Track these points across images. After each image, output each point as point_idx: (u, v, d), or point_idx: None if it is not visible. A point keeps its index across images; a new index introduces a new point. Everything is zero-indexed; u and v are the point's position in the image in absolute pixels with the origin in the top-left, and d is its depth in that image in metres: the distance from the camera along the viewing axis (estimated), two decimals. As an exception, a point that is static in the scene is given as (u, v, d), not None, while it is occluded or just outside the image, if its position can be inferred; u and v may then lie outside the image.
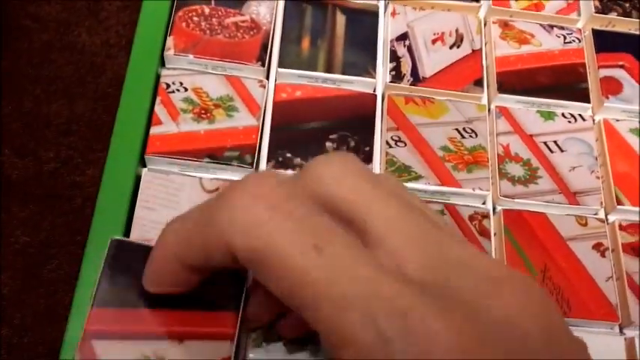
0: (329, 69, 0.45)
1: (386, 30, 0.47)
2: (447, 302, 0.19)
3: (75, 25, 0.54)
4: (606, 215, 0.43)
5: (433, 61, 0.46)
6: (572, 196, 0.42)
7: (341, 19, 0.47)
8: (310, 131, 0.43)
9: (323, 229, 0.20)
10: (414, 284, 0.20)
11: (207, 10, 0.45)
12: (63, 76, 0.52)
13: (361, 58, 0.45)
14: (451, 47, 0.47)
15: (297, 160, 0.41)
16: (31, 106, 0.50)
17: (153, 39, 0.44)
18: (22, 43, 0.52)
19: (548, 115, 0.45)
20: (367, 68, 0.45)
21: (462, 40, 0.47)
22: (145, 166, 0.41)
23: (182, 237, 0.24)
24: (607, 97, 0.46)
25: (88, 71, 0.53)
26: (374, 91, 0.45)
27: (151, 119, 0.41)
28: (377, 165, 0.42)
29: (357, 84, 0.45)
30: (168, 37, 0.44)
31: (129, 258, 0.30)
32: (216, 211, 0.22)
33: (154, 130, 0.41)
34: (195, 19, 0.45)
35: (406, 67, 0.45)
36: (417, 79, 0.45)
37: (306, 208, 0.20)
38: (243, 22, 0.45)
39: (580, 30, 0.49)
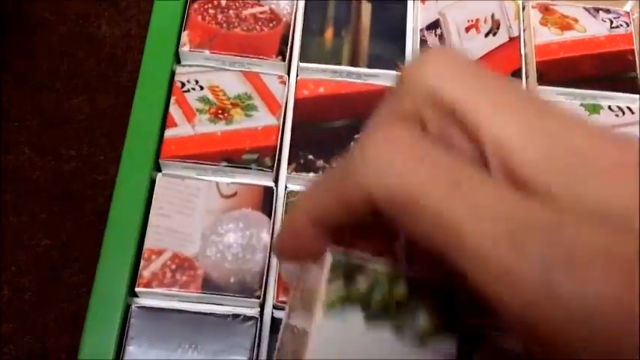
0: (354, 62, 0.42)
1: (415, 19, 0.44)
2: (593, 216, 0.18)
3: (94, 17, 0.52)
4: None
5: (467, 50, 0.43)
6: (621, 198, 0.38)
7: (367, 9, 0.44)
8: (334, 130, 0.40)
9: (457, 163, 0.19)
10: (556, 200, 0.18)
11: (223, 2, 0.43)
12: (83, 70, 0.51)
13: (389, 50, 0.42)
14: (486, 35, 0.43)
15: (320, 162, 0.39)
16: (50, 102, 0.49)
17: (167, 34, 0.42)
18: (40, 37, 0.50)
19: (593, 109, 0.41)
20: (395, 60, 0.42)
21: (498, 27, 0.44)
22: (160, 170, 0.39)
23: (317, 197, 0.23)
24: (659, 88, 0.42)
25: (109, 64, 0.51)
26: (402, 85, 0.42)
27: (165, 120, 0.39)
28: (406, 165, 0.39)
29: (384, 78, 0.42)
30: (183, 32, 0.42)
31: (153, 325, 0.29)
32: (353, 162, 0.21)
33: (169, 133, 0.39)
34: (212, 11, 0.42)
35: (437, 59, 0.42)
36: (449, 71, 0.42)
37: (438, 147, 0.20)
38: (261, 13, 0.43)
39: (628, 13, 0.45)
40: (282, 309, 0.36)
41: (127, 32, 0.52)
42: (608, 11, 0.45)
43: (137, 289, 0.35)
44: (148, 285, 0.35)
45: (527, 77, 0.43)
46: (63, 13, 0.50)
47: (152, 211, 0.37)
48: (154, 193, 0.37)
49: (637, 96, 0.42)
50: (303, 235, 0.23)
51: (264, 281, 0.36)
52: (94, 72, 0.52)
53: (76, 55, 0.52)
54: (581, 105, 0.42)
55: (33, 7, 0.50)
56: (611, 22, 0.44)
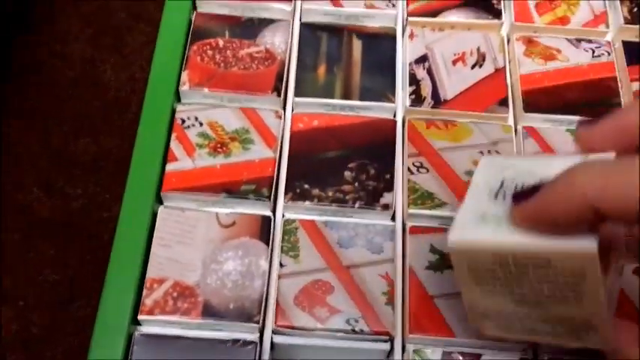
0: (346, 95, 0.44)
1: (404, 53, 0.46)
2: None
3: (100, 62, 0.54)
4: (647, 237, 0.40)
5: (454, 82, 0.44)
6: (609, 218, 0.40)
7: (357, 45, 0.46)
8: (328, 160, 0.41)
9: None
10: None
11: (221, 43, 0.45)
12: (89, 112, 0.53)
13: (379, 83, 0.44)
14: (473, 67, 0.45)
15: (316, 191, 0.40)
16: (58, 143, 0.51)
17: (168, 74, 0.44)
18: (48, 80, 0.53)
19: (579, 133, 0.43)
20: (386, 93, 0.44)
21: (484, 59, 0.46)
22: (162, 202, 0.40)
23: (598, 178, 0.24)
24: (642, 112, 0.43)
25: (114, 107, 0.53)
26: (394, 116, 0.44)
27: (167, 155, 0.41)
28: (399, 193, 0.41)
29: (375, 110, 0.44)
30: (183, 72, 0.44)
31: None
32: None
33: (170, 167, 0.40)
34: (210, 52, 0.45)
35: (426, 90, 0.44)
36: (438, 101, 0.44)
37: None
38: (257, 52, 0.45)
39: (609, 42, 0.47)
40: (281, 333, 0.37)
41: (130, 76, 0.55)
42: (589, 41, 0.47)
43: (140, 317, 0.36)
44: (150, 313, 0.36)
45: (514, 106, 0.45)
46: (71, 58, 0.53)
47: (154, 241, 0.38)
48: (156, 224, 0.39)
49: (621, 120, 0.44)
50: (568, 210, 0.24)
51: (262, 307, 0.37)
52: (99, 114, 0.54)
53: (83, 98, 0.54)
54: (567, 130, 0.43)
55: (42, 53, 0.53)
56: (593, 51, 0.46)
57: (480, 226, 0.29)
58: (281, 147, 0.42)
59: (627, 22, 0.47)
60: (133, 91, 0.53)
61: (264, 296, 0.37)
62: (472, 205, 0.30)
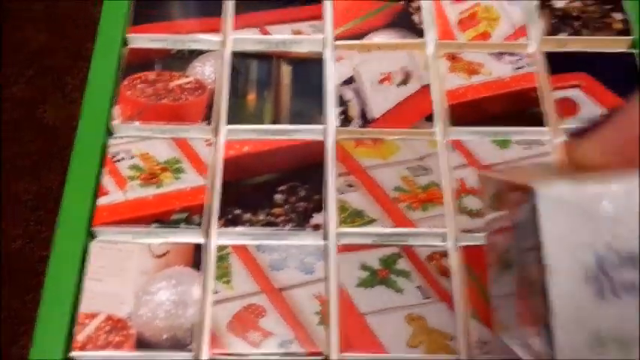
0: (276, 120, 0.44)
1: (332, 76, 0.47)
2: None
3: (41, 102, 0.55)
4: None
5: (381, 101, 0.46)
6: (534, 225, 0.41)
7: (286, 70, 0.47)
8: (259, 185, 0.42)
9: None
10: None
11: (151, 76, 0.46)
12: (29, 152, 0.53)
13: (309, 106, 0.45)
14: (399, 85, 0.46)
15: (247, 216, 0.41)
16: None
17: (99, 110, 0.44)
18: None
19: (504, 144, 0.44)
20: (315, 115, 0.45)
21: (409, 77, 0.47)
22: (94, 237, 0.41)
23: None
24: (562, 120, 0.45)
25: (54, 145, 0.54)
26: (324, 137, 0.45)
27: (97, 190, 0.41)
28: (331, 212, 0.42)
29: (305, 132, 0.44)
30: (114, 107, 0.44)
31: None
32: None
33: (101, 201, 0.41)
34: (141, 85, 0.45)
35: (354, 110, 0.45)
36: (365, 120, 0.45)
37: None
38: (187, 83, 0.46)
39: (531, 54, 0.48)
40: (216, 360, 0.37)
41: (71, 114, 0.55)
42: (512, 54, 0.48)
43: (72, 354, 0.36)
44: (82, 348, 0.36)
45: (441, 120, 0.46)
46: (11, 99, 0.53)
47: (86, 276, 0.38)
48: (88, 259, 0.39)
49: (545, 128, 0.45)
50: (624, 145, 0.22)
51: (196, 335, 0.37)
52: (39, 154, 0.54)
53: (23, 139, 0.55)
54: (492, 141, 0.44)
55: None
56: (515, 63, 0.48)
57: None
58: (213, 174, 0.43)
59: (547, 33, 0.49)
60: (74, 129, 0.54)
61: (198, 324, 0.37)
62: (566, 310, 0.16)
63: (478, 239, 0.40)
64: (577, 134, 0.24)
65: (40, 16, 0.58)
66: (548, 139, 0.45)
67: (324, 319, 0.37)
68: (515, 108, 0.46)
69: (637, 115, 0.23)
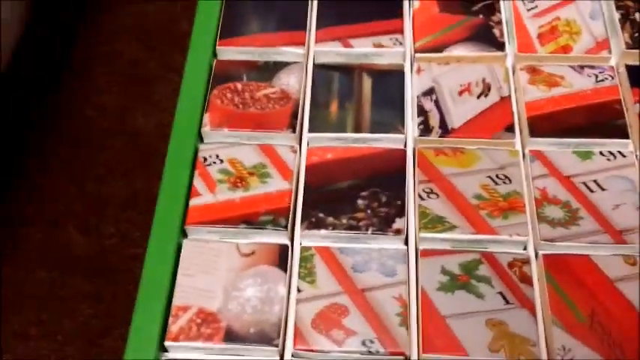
0: (358, 129, 0.46)
1: (412, 87, 0.48)
2: None
3: (131, 110, 0.58)
4: (659, 253, 0.40)
5: (461, 111, 0.46)
6: (618, 235, 0.40)
7: (367, 82, 0.48)
8: (342, 190, 0.44)
9: None
10: None
11: (239, 86, 0.48)
12: (121, 158, 0.56)
13: (389, 117, 0.47)
14: (479, 97, 0.47)
15: (330, 220, 0.42)
16: (92, 186, 0.54)
17: (191, 117, 0.47)
18: (84, 130, 0.57)
19: (586, 155, 0.44)
20: (396, 125, 0.46)
21: (489, 89, 0.48)
22: (187, 235, 0.43)
23: None
24: (647, 131, 0.44)
25: (144, 151, 0.57)
26: (404, 146, 0.46)
27: (190, 192, 0.44)
28: (411, 218, 0.43)
29: (386, 141, 0.46)
30: (204, 115, 0.47)
31: None
32: None
33: (193, 202, 0.43)
34: (229, 95, 0.48)
35: (434, 120, 0.46)
36: (445, 130, 0.46)
37: None
38: (273, 93, 0.48)
39: (613, 67, 0.48)
40: (300, 356, 0.38)
41: (160, 122, 0.58)
42: (592, 67, 0.48)
43: (166, 343, 0.38)
44: (175, 339, 0.38)
45: (520, 132, 0.46)
46: (102, 107, 0.57)
47: (179, 272, 0.41)
48: (181, 256, 0.41)
49: (628, 140, 0.45)
50: None
51: (281, 330, 0.38)
52: (130, 159, 0.57)
53: (115, 145, 0.58)
54: (574, 152, 0.44)
55: (77, 103, 0.57)
56: (597, 76, 0.48)
57: None
58: (297, 179, 0.44)
59: (629, 47, 0.49)
60: (162, 136, 0.57)
61: (283, 321, 0.39)
62: None
63: (559, 248, 0.40)
64: None
65: (131, 29, 0.61)
66: (631, 151, 0.44)
67: (405, 321, 0.38)
68: (597, 120, 0.46)
69: None
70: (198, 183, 0.44)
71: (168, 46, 0.58)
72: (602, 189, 0.43)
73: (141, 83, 0.59)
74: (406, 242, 0.42)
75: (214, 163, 0.45)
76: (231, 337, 0.38)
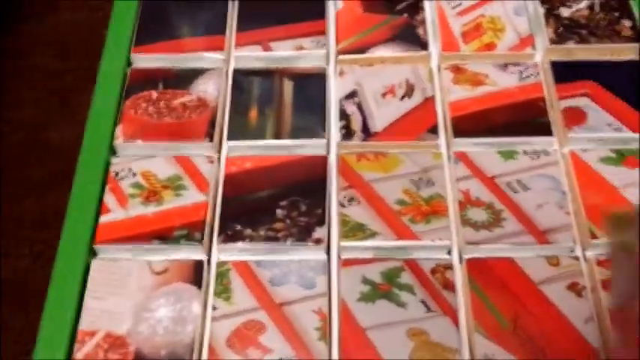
0: (278, 135, 0.44)
1: (335, 90, 0.47)
2: None
3: (47, 124, 0.55)
4: (583, 252, 0.40)
5: (384, 114, 0.45)
6: (542, 235, 0.39)
7: (288, 86, 0.47)
8: (260, 200, 0.42)
9: None
10: None
11: (155, 95, 0.46)
12: (34, 173, 0.53)
13: (310, 121, 0.45)
14: (402, 98, 0.46)
15: (248, 232, 0.40)
16: (5, 206, 0.51)
17: (103, 130, 0.45)
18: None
19: (509, 155, 0.43)
20: (317, 130, 0.44)
21: (413, 90, 0.46)
22: (96, 255, 0.41)
23: None
24: (570, 129, 0.44)
25: (59, 166, 0.54)
26: (326, 152, 0.44)
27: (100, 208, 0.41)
28: (333, 226, 0.41)
29: (307, 147, 0.44)
30: (117, 126, 0.45)
31: None
32: None
33: (103, 219, 0.41)
34: (143, 104, 0.46)
35: (356, 124, 0.45)
36: (368, 134, 0.44)
37: None
38: (190, 101, 0.46)
39: (537, 64, 0.47)
40: (215, 378, 0.36)
41: (78, 135, 0.55)
42: (517, 64, 0.47)
43: (71, 372, 0.36)
44: (81, 366, 0.36)
45: (446, 132, 0.45)
46: (16, 121, 0.54)
47: (87, 294, 0.38)
48: (89, 277, 0.39)
49: (552, 138, 0.44)
50: None
51: (195, 351, 0.36)
52: (44, 174, 0.55)
53: (30, 162, 0.55)
54: (498, 152, 0.43)
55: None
56: (521, 73, 0.47)
57: None
58: (215, 191, 0.42)
59: (553, 42, 0.48)
60: (79, 150, 0.54)
61: (197, 341, 0.37)
62: None
63: (483, 251, 0.39)
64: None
65: (50, 40, 0.59)
66: (555, 149, 0.44)
67: (324, 335, 0.37)
68: (522, 118, 0.45)
69: None
70: (109, 199, 0.42)
71: (87, 57, 0.56)
72: (526, 189, 0.42)
73: (59, 96, 0.57)
74: (328, 252, 0.40)
75: (127, 177, 0.43)
76: (140, 361, 0.36)
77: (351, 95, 0.46)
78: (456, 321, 0.37)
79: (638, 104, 0.45)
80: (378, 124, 0.45)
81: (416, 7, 0.50)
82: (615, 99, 0.45)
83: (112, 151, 0.45)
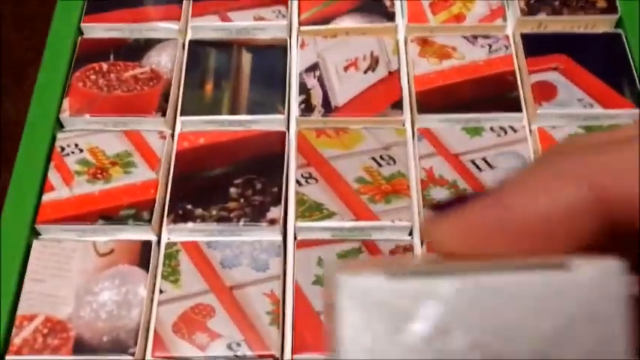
0: (234, 110, 0.42)
1: (296, 63, 0.44)
2: None
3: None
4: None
5: (346, 88, 0.43)
6: (506, 216, 0.38)
7: (247, 58, 0.44)
8: (214, 178, 0.40)
9: None
10: None
11: (105, 67, 0.44)
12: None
13: (269, 95, 0.43)
14: (366, 72, 0.44)
15: (199, 211, 0.38)
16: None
17: (49, 103, 0.42)
18: None
19: (475, 131, 0.41)
20: (276, 105, 0.42)
21: (377, 63, 0.44)
22: (39, 235, 0.38)
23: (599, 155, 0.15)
24: (540, 104, 0.42)
25: (10, 144, 0.52)
26: (286, 128, 0.42)
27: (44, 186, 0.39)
28: (290, 206, 0.39)
29: (265, 122, 0.42)
30: (64, 99, 0.42)
31: None
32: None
33: (47, 197, 0.39)
34: (93, 77, 0.43)
35: (317, 99, 0.43)
36: (328, 109, 0.42)
37: None
38: (142, 74, 0.44)
39: (507, 37, 0.45)
40: (161, 364, 0.34)
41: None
42: (486, 37, 0.45)
43: (7, 358, 0.34)
44: (18, 352, 0.34)
45: (410, 108, 0.43)
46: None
47: (27, 276, 0.36)
48: (30, 258, 0.37)
49: (521, 114, 0.42)
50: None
51: (140, 337, 0.35)
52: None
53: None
54: (463, 129, 0.41)
55: None
56: (490, 46, 0.45)
57: None
58: (168, 169, 0.40)
59: (524, 13, 0.46)
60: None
61: (143, 326, 0.35)
62: None
63: (445, 232, 0.38)
64: (440, 208, 0.17)
65: (4, 14, 0.56)
66: (523, 126, 0.42)
67: (276, 319, 0.35)
68: (490, 93, 0.43)
69: (514, 197, 0.16)
70: (53, 176, 0.40)
71: (42, 30, 0.53)
72: (491, 167, 0.40)
73: (12, 70, 0.54)
74: (284, 233, 0.38)
75: (73, 153, 0.41)
76: (80, 347, 0.34)
77: (312, 68, 0.44)
78: (413, 305, 0.35)
79: (610, 79, 0.43)
80: (339, 98, 0.43)
81: (383, -24, 0.48)
82: (588, 74, 0.43)
83: (59, 126, 0.42)
